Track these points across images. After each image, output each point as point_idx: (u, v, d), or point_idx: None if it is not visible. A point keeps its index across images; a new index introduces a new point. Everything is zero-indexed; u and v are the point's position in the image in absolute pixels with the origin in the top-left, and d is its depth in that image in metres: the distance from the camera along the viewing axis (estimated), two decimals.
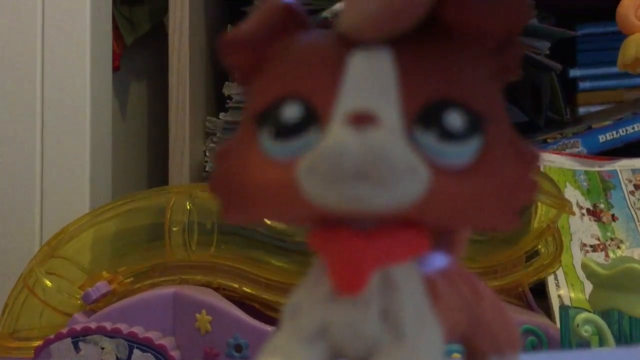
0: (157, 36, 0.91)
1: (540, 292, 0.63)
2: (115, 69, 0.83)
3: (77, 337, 0.53)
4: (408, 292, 0.17)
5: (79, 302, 0.58)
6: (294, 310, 0.17)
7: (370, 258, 0.16)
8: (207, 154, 0.81)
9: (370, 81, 0.16)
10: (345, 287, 0.16)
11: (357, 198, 0.15)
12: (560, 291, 0.63)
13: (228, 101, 0.80)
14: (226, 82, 0.81)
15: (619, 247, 0.69)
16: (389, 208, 0.15)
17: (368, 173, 0.15)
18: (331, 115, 0.16)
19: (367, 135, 0.15)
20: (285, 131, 0.16)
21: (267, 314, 0.57)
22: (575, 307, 0.53)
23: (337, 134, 0.15)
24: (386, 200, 0.15)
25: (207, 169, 0.80)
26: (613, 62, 0.60)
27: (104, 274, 0.59)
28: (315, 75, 0.16)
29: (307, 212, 0.16)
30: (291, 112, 0.16)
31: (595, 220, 0.71)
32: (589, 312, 0.47)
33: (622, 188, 0.74)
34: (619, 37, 0.53)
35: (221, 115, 0.80)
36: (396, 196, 0.15)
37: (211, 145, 0.81)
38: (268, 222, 0.60)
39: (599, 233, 0.70)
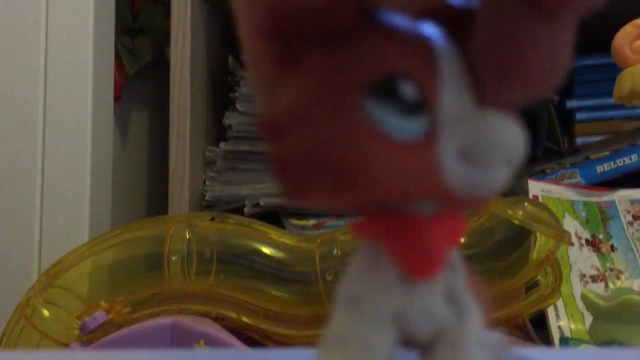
0: (159, 66, 0.92)
1: (540, 323, 0.62)
2: (117, 98, 0.84)
3: None
4: (462, 272, 0.18)
5: (76, 332, 0.58)
6: (355, 299, 0.17)
7: (443, 242, 0.17)
8: (206, 182, 0.81)
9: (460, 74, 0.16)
10: (422, 272, 0.17)
11: (494, 182, 0.16)
12: (560, 322, 0.63)
13: (228, 130, 0.81)
14: (226, 112, 0.81)
15: (618, 278, 0.69)
16: (496, 192, 0.16)
17: (511, 160, 0.16)
18: (434, 101, 0.16)
19: (502, 122, 0.16)
20: (407, 109, 0.15)
21: (265, 344, 0.57)
22: (575, 339, 0.52)
23: (490, 119, 0.16)
24: (501, 184, 0.16)
25: (206, 197, 0.80)
26: (610, 93, 0.61)
27: (102, 303, 0.59)
28: (420, 58, 0.16)
29: (438, 195, 0.16)
30: (409, 89, 0.15)
31: (594, 251, 0.71)
32: (589, 343, 0.47)
33: (620, 219, 0.75)
34: (616, 68, 0.54)
35: (221, 144, 0.81)
36: (505, 180, 0.16)
37: (211, 174, 0.81)
38: (267, 251, 0.60)
39: (598, 264, 0.70)
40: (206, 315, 0.58)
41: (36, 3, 0.76)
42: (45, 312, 0.59)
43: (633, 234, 0.73)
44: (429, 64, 0.16)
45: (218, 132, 0.85)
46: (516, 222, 0.54)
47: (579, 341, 0.47)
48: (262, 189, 0.78)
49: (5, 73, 0.76)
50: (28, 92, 0.76)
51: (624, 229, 0.74)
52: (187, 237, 0.61)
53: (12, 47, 0.76)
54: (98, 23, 0.77)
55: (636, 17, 0.58)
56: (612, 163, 0.80)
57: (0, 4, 0.76)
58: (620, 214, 0.75)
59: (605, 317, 0.46)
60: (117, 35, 0.83)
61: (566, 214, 0.74)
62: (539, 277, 0.57)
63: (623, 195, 0.77)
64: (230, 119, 0.80)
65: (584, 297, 0.48)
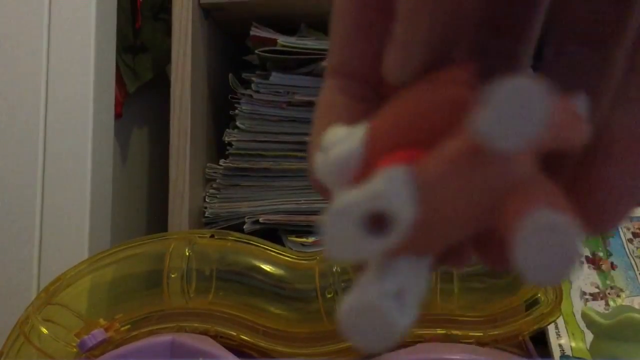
0: (159, 84, 0.92)
1: (540, 341, 0.62)
2: (118, 115, 0.84)
3: None
4: None
5: (74, 350, 0.58)
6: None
7: None
8: (206, 199, 0.81)
9: None
10: None
11: None
12: (561, 340, 0.63)
13: (228, 148, 0.81)
14: (226, 129, 0.82)
15: (618, 296, 0.68)
16: None
17: None
18: None
19: None
20: None
21: None
22: (576, 357, 0.52)
23: None
24: None
25: (206, 214, 0.80)
26: None
27: (101, 321, 0.58)
28: None
29: None
30: None
31: (594, 269, 0.71)
32: None
33: (620, 236, 0.75)
34: None
35: (221, 161, 0.81)
36: None
37: (211, 191, 0.81)
38: (266, 269, 0.60)
39: (598, 281, 0.70)
40: (205, 332, 0.58)
41: (38, 20, 0.76)
42: (44, 330, 0.59)
43: (633, 251, 0.73)
44: None
45: (218, 149, 0.85)
46: None
47: (580, 359, 0.47)
48: (262, 206, 0.78)
49: (6, 90, 0.76)
50: (29, 109, 0.76)
51: (624, 246, 0.74)
52: (187, 254, 0.61)
53: (13, 65, 0.76)
54: (99, 40, 0.78)
55: None
56: None
57: (2, 21, 0.77)
58: (620, 231, 0.75)
59: (606, 335, 0.46)
60: (118, 52, 0.84)
61: None
62: (539, 295, 0.57)
63: None
64: (230, 136, 0.80)
65: (584, 315, 0.48)
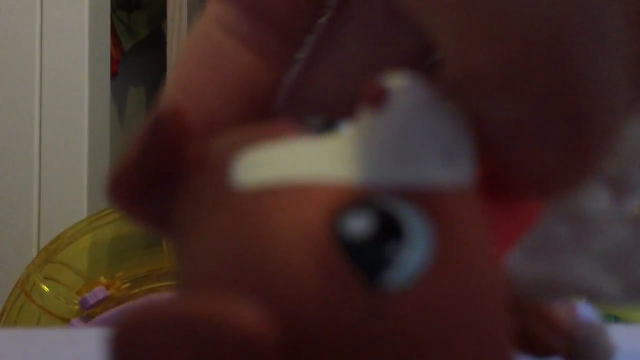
0: (156, 42, 0.91)
1: None
2: (114, 74, 0.83)
3: None
4: None
5: (76, 307, 0.58)
6: None
7: None
8: None
9: None
10: None
11: None
12: None
13: None
14: None
15: None
16: None
17: None
18: None
19: None
20: None
21: None
22: None
23: None
24: None
25: None
26: None
27: (102, 279, 0.59)
28: None
29: None
30: None
31: None
32: None
33: None
34: None
35: None
36: None
37: None
38: None
39: None
40: None
41: None
42: (45, 288, 0.59)
43: None
44: None
45: None
46: None
47: None
48: None
49: (1, 50, 0.75)
50: (24, 69, 0.75)
51: None
52: None
53: (7, 24, 0.75)
54: None
55: None
56: None
57: None
58: None
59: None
60: (113, 9, 0.82)
61: None
62: None
63: None
64: None
65: None
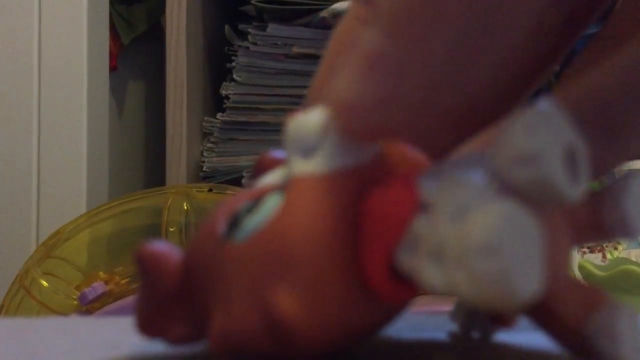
0: (155, 36, 0.91)
1: None
2: (113, 68, 0.83)
3: None
4: None
5: (75, 302, 0.58)
6: None
7: None
8: (204, 154, 0.81)
9: None
10: None
11: None
12: None
13: (225, 101, 0.80)
14: (224, 82, 0.81)
15: (616, 249, 0.69)
16: None
17: None
18: None
19: None
20: None
21: None
22: None
23: None
24: None
25: (204, 168, 0.80)
26: None
27: (101, 274, 0.59)
28: None
29: None
30: None
31: None
32: None
33: None
34: None
35: (218, 115, 0.80)
36: None
37: (208, 145, 0.81)
38: None
39: None
40: None
41: None
42: (44, 283, 0.59)
43: None
44: None
45: (215, 102, 0.84)
46: None
47: None
48: None
49: None
50: (23, 63, 0.75)
51: None
52: (185, 208, 0.61)
53: (5, 18, 0.75)
54: None
55: None
56: None
57: None
58: None
59: (602, 287, 0.47)
60: (112, 4, 0.82)
61: None
62: None
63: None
64: (227, 89, 0.79)
65: (581, 268, 0.48)
